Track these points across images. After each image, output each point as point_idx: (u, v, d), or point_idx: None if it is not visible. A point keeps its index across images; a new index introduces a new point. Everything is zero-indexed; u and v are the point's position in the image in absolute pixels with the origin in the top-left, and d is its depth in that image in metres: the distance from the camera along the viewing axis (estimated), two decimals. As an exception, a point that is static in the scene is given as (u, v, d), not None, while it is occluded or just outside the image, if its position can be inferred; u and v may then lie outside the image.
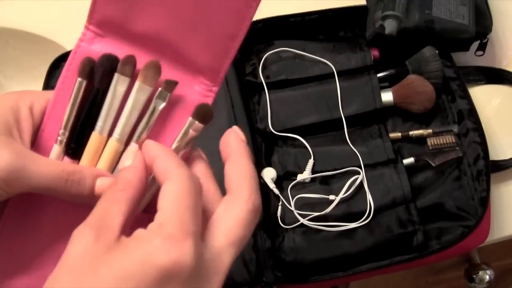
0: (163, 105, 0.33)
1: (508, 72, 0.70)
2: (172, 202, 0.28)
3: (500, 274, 0.87)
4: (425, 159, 0.60)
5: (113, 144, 0.33)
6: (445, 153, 0.60)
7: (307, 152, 0.60)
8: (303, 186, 0.59)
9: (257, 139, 0.62)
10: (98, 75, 0.33)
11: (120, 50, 0.34)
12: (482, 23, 0.65)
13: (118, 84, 0.33)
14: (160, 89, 0.33)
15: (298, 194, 0.58)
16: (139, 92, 0.33)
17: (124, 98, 0.34)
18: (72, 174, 0.31)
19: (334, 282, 0.57)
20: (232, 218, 0.30)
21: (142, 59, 0.34)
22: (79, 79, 0.34)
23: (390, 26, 0.61)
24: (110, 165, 0.33)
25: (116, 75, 0.33)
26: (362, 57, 0.64)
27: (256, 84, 0.63)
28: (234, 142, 0.33)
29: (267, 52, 0.64)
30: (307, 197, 0.57)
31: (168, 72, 0.34)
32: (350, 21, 0.67)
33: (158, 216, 0.28)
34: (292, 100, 0.63)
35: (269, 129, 0.61)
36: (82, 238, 0.27)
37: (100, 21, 0.34)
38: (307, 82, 0.63)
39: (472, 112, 0.62)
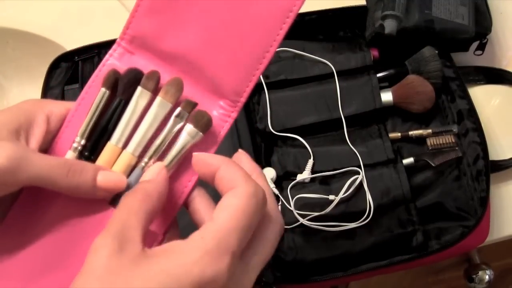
0: (180, 124, 0.33)
1: (508, 72, 0.70)
2: (226, 217, 0.28)
3: (500, 274, 0.87)
4: (425, 159, 0.60)
5: (127, 156, 0.33)
6: (445, 153, 0.60)
7: (306, 152, 0.60)
8: (302, 186, 0.59)
9: (257, 139, 0.62)
10: (122, 86, 0.34)
11: (147, 67, 0.35)
12: (482, 24, 0.65)
13: (140, 97, 0.34)
14: (179, 108, 0.33)
15: (298, 194, 0.58)
16: (159, 108, 0.33)
17: (144, 112, 0.34)
18: (74, 165, 0.31)
19: (333, 282, 0.57)
20: (268, 240, 0.30)
21: (167, 78, 0.34)
22: (103, 89, 0.34)
23: (390, 26, 0.61)
24: None
25: (139, 89, 0.34)
26: (361, 57, 0.64)
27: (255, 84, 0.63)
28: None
29: (266, 52, 0.64)
30: (307, 197, 0.57)
31: (191, 94, 0.35)
32: (350, 21, 0.68)
33: (206, 227, 0.28)
34: (292, 100, 0.63)
35: (269, 129, 0.61)
36: (105, 249, 0.27)
37: (132, 37, 0.35)
38: (306, 82, 0.63)
39: (471, 112, 0.62)
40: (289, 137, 0.61)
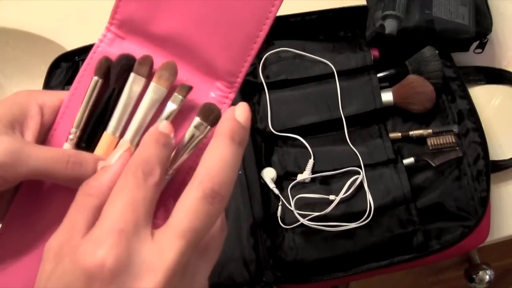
0: (174, 108, 0.32)
1: (508, 72, 0.70)
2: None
3: (500, 274, 0.87)
4: (425, 159, 0.60)
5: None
6: (445, 153, 0.60)
7: (307, 152, 0.60)
8: (303, 186, 0.59)
9: (257, 139, 0.62)
10: (114, 73, 0.33)
11: (139, 52, 0.34)
12: (482, 24, 0.65)
13: (134, 84, 0.33)
14: (175, 93, 0.33)
15: (298, 194, 0.58)
16: (154, 93, 0.33)
17: (139, 99, 0.33)
18: (74, 156, 0.31)
19: (334, 282, 0.57)
20: (181, 208, 0.27)
21: (160, 62, 0.33)
22: (95, 77, 0.33)
23: (390, 26, 0.61)
24: None
25: (132, 75, 0.33)
26: (362, 57, 0.64)
27: (256, 84, 0.63)
28: (222, 123, 0.29)
29: (267, 52, 0.64)
30: (307, 197, 0.57)
31: (186, 77, 0.34)
32: (350, 21, 0.68)
33: None
34: (292, 100, 0.63)
35: (269, 129, 0.61)
36: (51, 250, 0.27)
37: (121, 22, 0.34)
38: (307, 82, 0.63)
39: (472, 112, 0.62)
40: (290, 137, 0.61)
